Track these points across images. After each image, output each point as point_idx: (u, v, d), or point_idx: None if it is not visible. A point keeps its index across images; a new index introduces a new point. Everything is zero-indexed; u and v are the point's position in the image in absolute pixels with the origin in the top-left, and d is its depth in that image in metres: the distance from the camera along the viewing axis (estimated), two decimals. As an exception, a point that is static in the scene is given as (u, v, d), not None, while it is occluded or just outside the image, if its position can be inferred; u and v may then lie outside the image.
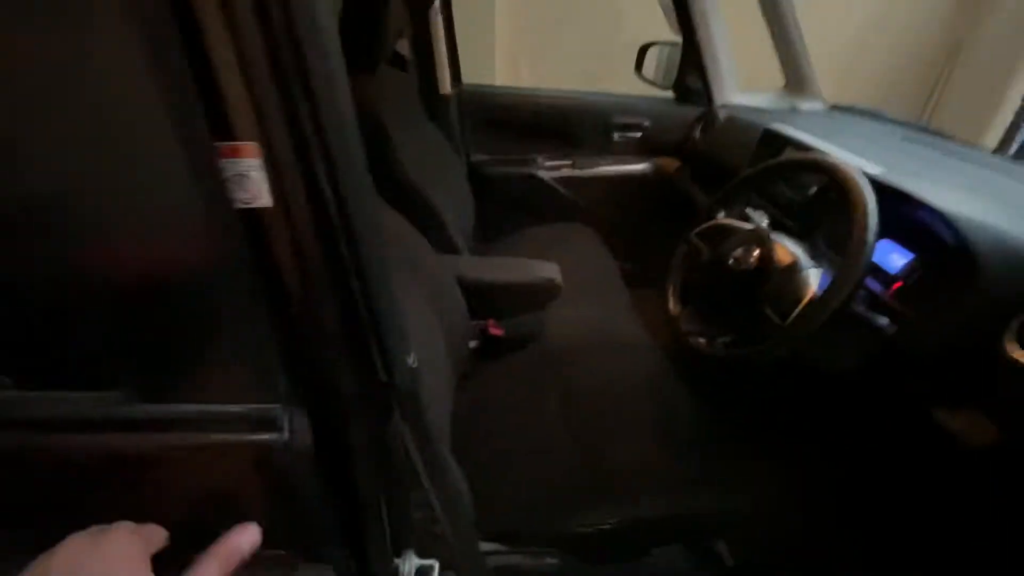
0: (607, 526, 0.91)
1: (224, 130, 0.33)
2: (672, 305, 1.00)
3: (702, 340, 0.90)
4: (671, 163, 1.71)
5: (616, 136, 1.74)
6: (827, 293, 0.70)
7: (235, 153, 0.33)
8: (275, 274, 0.38)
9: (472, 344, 1.22)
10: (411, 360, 0.49)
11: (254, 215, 0.35)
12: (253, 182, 0.34)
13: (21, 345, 0.41)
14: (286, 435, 0.43)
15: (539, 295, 1.22)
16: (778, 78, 1.59)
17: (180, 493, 0.46)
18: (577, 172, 1.76)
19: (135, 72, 0.30)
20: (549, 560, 0.92)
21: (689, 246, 1.01)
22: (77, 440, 0.43)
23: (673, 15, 1.56)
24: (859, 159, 0.97)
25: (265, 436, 0.42)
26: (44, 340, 0.41)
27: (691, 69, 1.63)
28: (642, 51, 1.77)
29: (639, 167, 1.74)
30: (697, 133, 1.62)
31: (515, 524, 0.91)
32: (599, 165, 1.76)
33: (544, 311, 1.30)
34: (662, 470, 0.97)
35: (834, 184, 0.86)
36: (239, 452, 0.43)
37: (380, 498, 0.51)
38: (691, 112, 1.67)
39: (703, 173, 1.57)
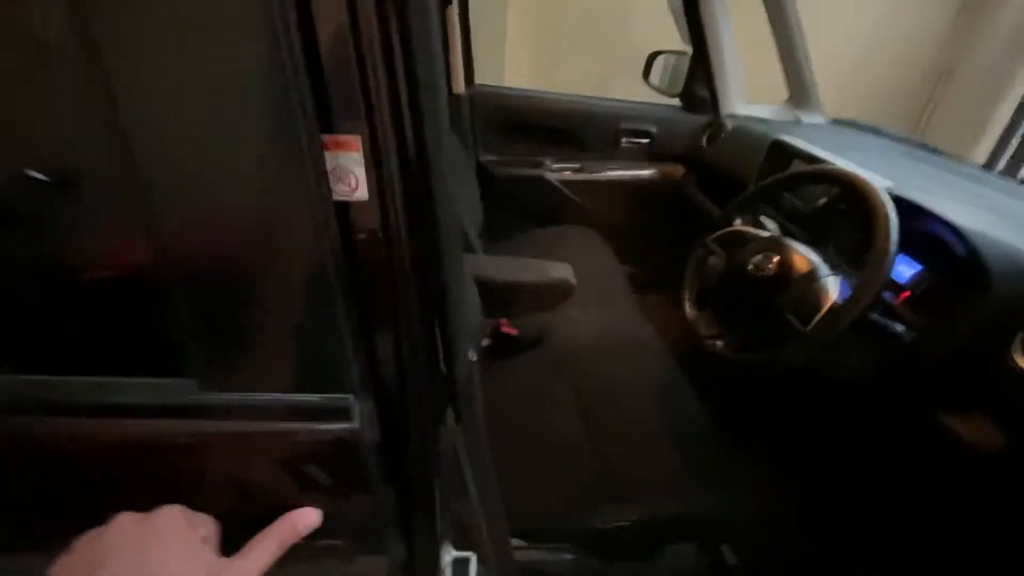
0: (621, 524, 0.92)
1: (329, 124, 0.34)
2: (689, 309, 1.02)
3: (720, 344, 0.93)
4: (677, 170, 1.75)
5: (623, 141, 1.76)
6: (851, 300, 0.73)
7: (338, 146, 0.34)
8: (360, 265, 0.39)
9: (485, 342, 1.23)
10: (472, 354, 0.50)
11: (348, 208, 0.36)
12: (353, 175, 0.35)
13: (95, 329, 0.41)
14: (357, 425, 0.43)
15: (552, 296, 1.23)
16: (768, 93, 1.64)
17: (247, 481, 0.46)
18: (584, 176, 1.78)
19: (252, 64, 0.31)
20: (565, 556, 0.93)
21: (705, 251, 1.03)
22: (145, 426, 0.43)
23: (684, 25, 1.60)
24: (868, 173, 1.01)
25: (337, 426, 0.43)
26: (118, 325, 0.41)
27: (699, 78, 1.66)
28: (651, 59, 1.80)
29: (645, 173, 1.77)
30: (703, 141, 1.65)
31: (530, 521, 0.92)
32: (606, 170, 1.78)
33: (553, 312, 1.31)
34: (674, 471, 1.00)
35: (851, 196, 0.89)
36: (310, 442, 0.44)
37: (433, 490, 0.52)
38: (697, 120, 1.70)
39: (709, 181, 1.60)
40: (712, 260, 1.01)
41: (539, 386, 1.15)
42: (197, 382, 0.42)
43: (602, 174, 1.78)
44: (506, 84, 1.90)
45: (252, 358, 0.42)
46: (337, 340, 0.42)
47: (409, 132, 0.34)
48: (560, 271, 1.24)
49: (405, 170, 0.35)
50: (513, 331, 1.24)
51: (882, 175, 1.00)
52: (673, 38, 1.72)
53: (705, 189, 1.60)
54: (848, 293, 0.79)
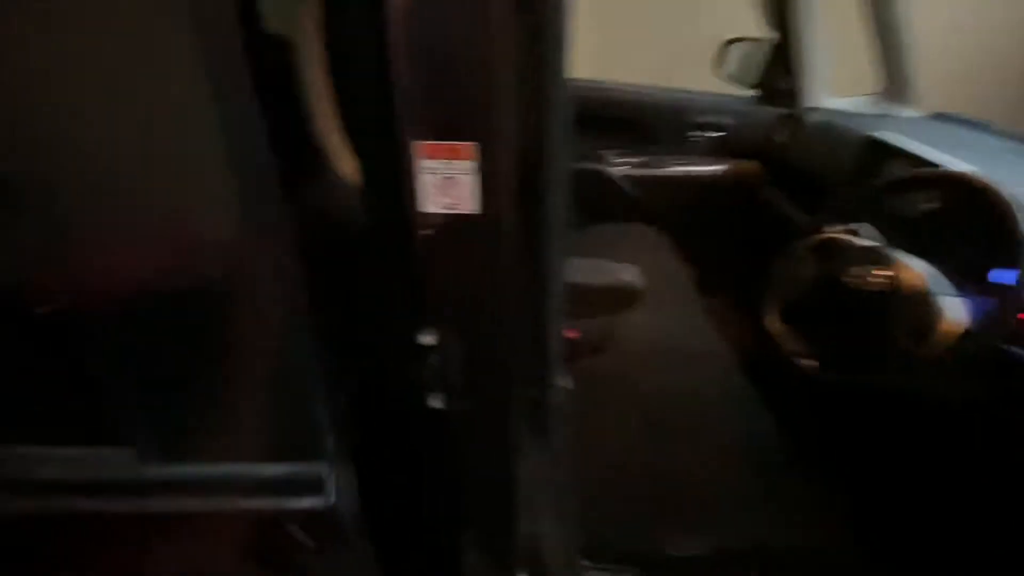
0: (693, 554, 0.87)
1: (433, 126, 0.30)
2: (772, 322, 0.94)
3: (811, 363, 0.84)
4: (750, 167, 1.63)
5: (692, 135, 1.67)
6: (985, 325, 0.64)
7: (448, 153, 0.30)
8: (443, 282, 0.35)
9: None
10: (565, 380, 0.45)
11: (451, 222, 0.32)
12: (463, 185, 0.30)
13: (21, 389, 0.34)
14: (332, 499, 0.37)
15: (618, 300, 1.17)
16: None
17: (200, 568, 0.40)
18: (647, 171, 1.69)
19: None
20: None
21: (794, 259, 0.95)
22: (83, 504, 0.35)
23: (767, 8, 1.48)
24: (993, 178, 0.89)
25: (307, 501, 0.37)
26: (35, 380, 0.34)
27: (779, 68, 1.54)
28: (724, 47, 1.69)
29: (715, 169, 1.66)
30: (782, 136, 1.54)
31: (593, 540, 0.87)
32: (671, 165, 1.69)
33: (614, 316, 1.25)
34: (748, 498, 0.93)
35: (974, 204, 0.78)
36: (276, 519, 0.38)
37: (512, 518, 0.48)
38: (776, 114, 1.58)
39: (787, 179, 1.49)
40: (802, 269, 0.92)
41: (602, 395, 1.09)
42: (135, 452, 0.34)
43: (666, 170, 1.69)
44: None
45: (202, 422, 0.35)
46: (307, 397, 0.34)
47: (535, 139, 0.29)
48: (627, 274, 1.18)
49: (527, 182, 0.30)
50: (575, 335, 1.19)
51: (1001, 179, 0.89)
52: (738, 26, 1.61)
53: (782, 188, 1.49)
54: (968, 312, 0.69)
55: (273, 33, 0.29)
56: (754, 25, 1.58)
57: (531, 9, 0.26)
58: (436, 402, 0.42)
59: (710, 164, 1.67)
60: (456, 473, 0.45)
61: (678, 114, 1.68)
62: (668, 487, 0.93)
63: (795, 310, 0.91)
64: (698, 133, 1.68)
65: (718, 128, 1.66)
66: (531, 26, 0.27)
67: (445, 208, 0.32)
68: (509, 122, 0.29)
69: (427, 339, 0.38)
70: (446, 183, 0.31)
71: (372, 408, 0.39)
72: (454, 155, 0.30)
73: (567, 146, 0.31)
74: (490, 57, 0.27)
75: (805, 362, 0.86)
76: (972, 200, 0.78)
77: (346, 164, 0.37)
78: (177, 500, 0.35)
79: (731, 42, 1.68)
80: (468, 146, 0.30)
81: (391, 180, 0.31)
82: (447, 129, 0.29)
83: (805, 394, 1.08)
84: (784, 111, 1.56)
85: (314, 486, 0.36)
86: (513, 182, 0.31)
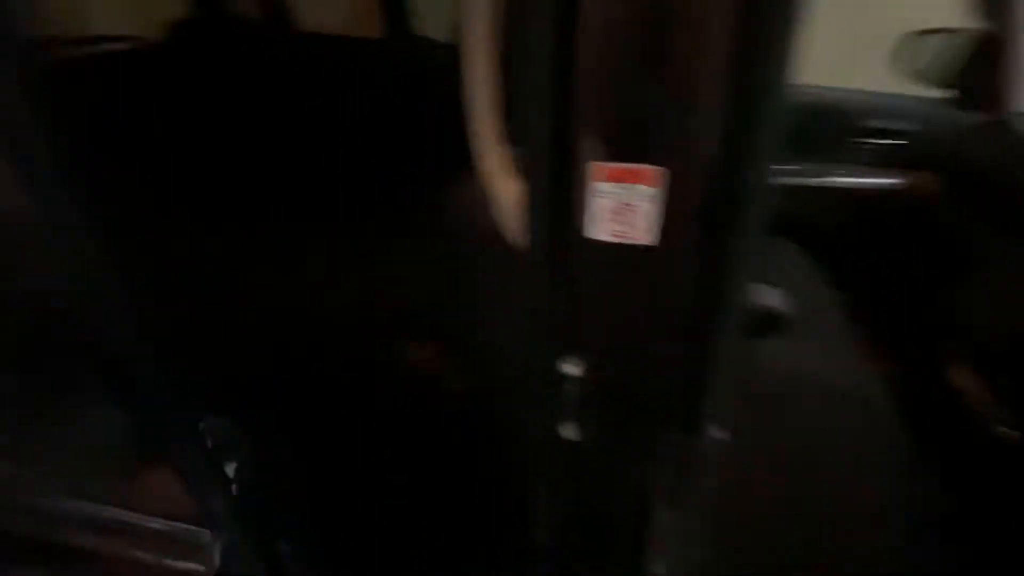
0: None
1: (617, 146, 0.27)
2: (959, 372, 0.78)
3: (1012, 431, 0.69)
4: (932, 181, 1.39)
5: (859, 142, 1.46)
6: None
7: (629, 177, 0.27)
8: (598, 314, 0.32)
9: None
10: (721, 432, 0.40)
11: (619, 251, 0.29)
12: (640, 214, 0.27)
13: None
14: (214, 568, 0.33)
15: (757, 326, 1.06)
16: None
17: None
18: (800, 181, 1.52)
19: None
20: None
21: (998, 300, 0.78)
22: None
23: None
24: None
25: (185, 564, 0.33)
26: None
27: (986, 65, 1.29)
28: (910, 39, 1.45)
29: (887, 182, 1.44)
30: (982, 147, 1.28)
31: None
32: (830, 175, 1.49)
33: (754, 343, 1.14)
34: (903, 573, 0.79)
35: None
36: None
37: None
38: (974, 120, 1.33)
39: (985, 199, 1.24)
40: (1010, 315, 0.76)
41: (733, 428, 1.00)
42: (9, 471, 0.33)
43: (824, 180, 1.50)
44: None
45: (77, 450, 0.31)
46: (195, 445, 0.30)
47: (728, 172, 0.25)
48: (770, 296, 1.06)
49: (711, 215, 0.26)
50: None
51: None
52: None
53: (977, 209, 1.25)
54: None
55: (424, 36, 0.28)
56: (948, 13, 1.35)
57: (756, 12, 0.22)
58: (569, 432, 0.40)
59: (878, 176, 1.44)
60: (579, 510, 0.43)
61: (842, 117, 1.48)
62: (801, 546, 0.82)
63: (995, 362, 0.75)
64: (866, 139, 1.46)
65: (892, 134, 1.43)
66: (753, 37, 0.22)
67: (615, 236, 0.29)
68: (708, 148, 0.25)
69: (570, 368, 0.36)
70: (621, 209, 0.28)
71: (500, 433, 0.38)
72: (636, 180, 0.27)
73: (772, 182, 0.26)
74: (697, 69, 0.23)
75: (1003, 429, 0.71)
76: None
77: (505, 179, 0.35)
78: (59, 531, 0.34)
79: (918, 34, 1.44)
80: (655, 171, 0.26)
81: (556, 200, 0.29)
82: (632, 150, 0.26)
83: (992, 464, 0.89)
84: (988, 117, 1.30)
85: (189, 551, 0.33)
86: (701, 216, 0.27)
